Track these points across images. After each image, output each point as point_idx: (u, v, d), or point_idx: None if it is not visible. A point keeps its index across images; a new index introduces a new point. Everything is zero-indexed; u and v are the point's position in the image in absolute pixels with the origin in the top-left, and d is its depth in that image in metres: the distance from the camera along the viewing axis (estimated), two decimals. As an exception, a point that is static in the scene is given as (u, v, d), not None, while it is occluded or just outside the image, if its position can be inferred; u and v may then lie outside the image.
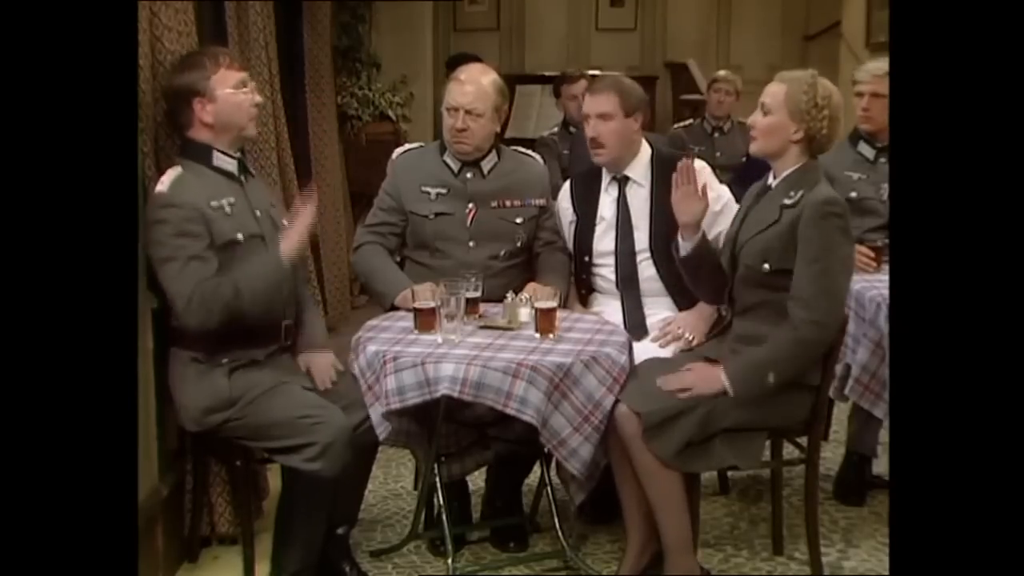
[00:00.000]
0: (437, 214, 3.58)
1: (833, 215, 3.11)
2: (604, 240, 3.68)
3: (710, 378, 3.07)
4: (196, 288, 2.98)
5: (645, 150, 3.70)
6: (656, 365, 3.25)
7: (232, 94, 3.14)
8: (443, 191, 3.60)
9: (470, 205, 3.60)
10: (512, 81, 7.60)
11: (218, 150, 3.17)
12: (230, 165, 3.20)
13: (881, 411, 3.74)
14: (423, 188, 3.59)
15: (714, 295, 3.41)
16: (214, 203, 3.07)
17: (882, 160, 4.18)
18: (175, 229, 3.00)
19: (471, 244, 3.59)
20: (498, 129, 3.69)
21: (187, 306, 2.99)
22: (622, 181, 3.68)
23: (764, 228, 3.18)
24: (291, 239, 3.14)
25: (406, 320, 3.26)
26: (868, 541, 3.69)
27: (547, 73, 8.14)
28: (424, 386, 2.94)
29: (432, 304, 3.16)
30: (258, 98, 3.24)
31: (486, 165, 3.65)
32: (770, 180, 3.30)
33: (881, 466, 4.12)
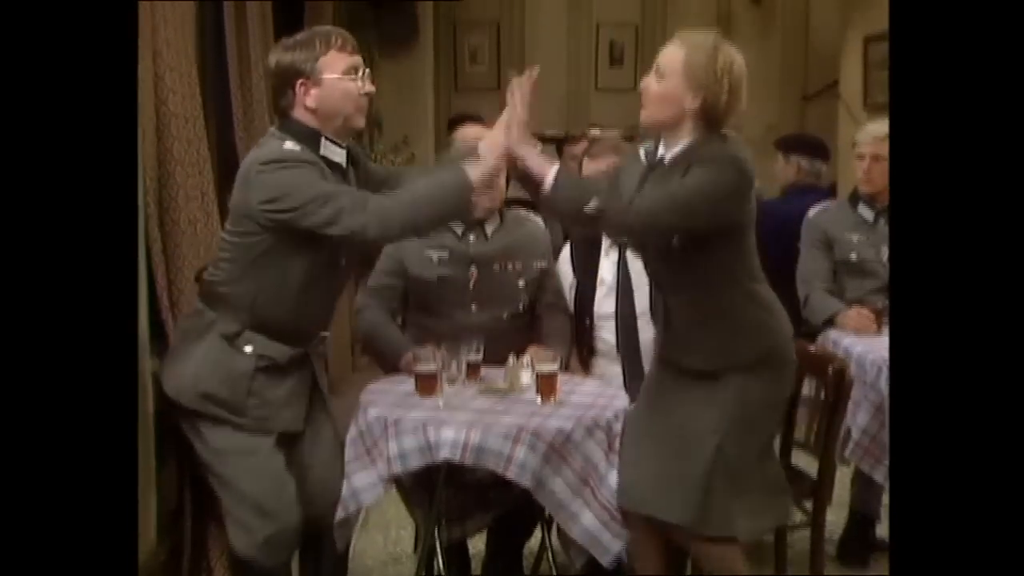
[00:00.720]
0: (440, 277, 3.58)
1: (729, 164, 2.86)
2: (605, 304, 3.70)
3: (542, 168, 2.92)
4: (363, 198, 2.84)
5: None
6: (632, 443, 3.09)
7: (339, 80, 2.92)
8: (445, 254, 3.60)
9: (472, 268, 3.61)
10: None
11: (327, 137, 2.96)
12: (338, 156, 2.99)
13: (881, 475, 3.73)
14: (426, 251, 3.59)
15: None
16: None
17: (882, 222, 4.19)
18: (311, 173, 2.85)
19: (473, 307, 3.59)
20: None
21: (362, 215, 2.80)
22: (622, 244, 3.69)
23: None
24: (493, 143, 2.96)
25: (407, 384, 3.25)
26: (871, 605, 3.67)
27: (548, 132, 8.17)
28: (425, 450, 2.93)
29: (433, 368, 3.16)
30: (370, 87, 2.99)
31: (489, 227, 3.67)
32: (661, 152, 3.00)
33: (885, 529, 4.10)
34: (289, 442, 3.07)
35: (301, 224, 2.83)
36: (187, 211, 3.34)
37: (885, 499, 4.05)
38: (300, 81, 2.91)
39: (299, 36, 2.98)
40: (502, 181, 3.63)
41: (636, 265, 3.66)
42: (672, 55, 2.91)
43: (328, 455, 3.14)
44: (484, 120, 5.88)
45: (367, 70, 2.98)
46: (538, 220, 3.88)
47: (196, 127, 3.44)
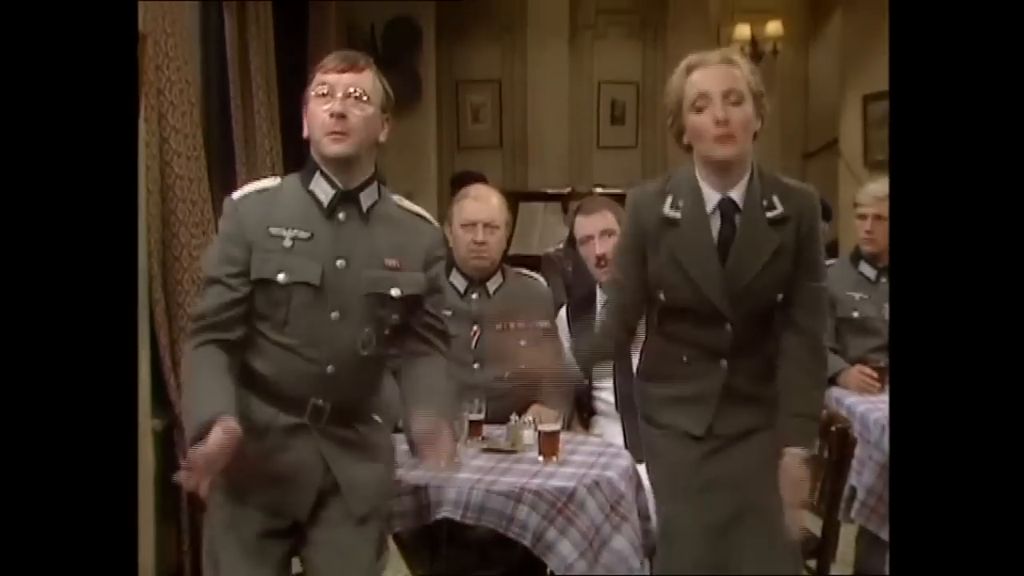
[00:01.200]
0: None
1: (817, 201, 2.79)
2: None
3: (797, 477, 2.72)
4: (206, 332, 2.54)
5: None
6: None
7: (313, 102, 2.60)
8: (448, 313, 3.58)
9: (475, 327, 3.60)
10: (515, 198, 7.68)
11: (322, 171, 2.63)
12: (323, 194, 2.63)
13: (887, 533, 3.70)
14: (429, 311, 3.58)
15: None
16: (274, 230, 2.58)
17: (883, 280, 4.21)
18: (219, 241, 2.63)
19: (475, 366, 3.57)
20: (505, 247, 3.72)
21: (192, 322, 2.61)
22: None
23: (770, 258, 2.67)
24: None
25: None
26: (877, 666, 3.63)
27: (550, 190, 8.20)
28: (426, 509, 2.90)
29: (435, 426, 3.14)
30: (336, 107, 2.56)
31: (492, 285, 3.67)
32: (715, 197, 2.68)
33: (889, 589, 4.07)
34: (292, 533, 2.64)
35: None
36: (191, 271, 3.35)
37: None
38: (304, 109, 2.66)
39: None
40: (502, 238, 3.64)
41: None
42: (736, 75, 2.62)
43: (342, 562, 2.63)
44: (486, 177, 5.92)
45: (355, 90, 2.60)
46: (540, 279, 3.88)
47: (201, 188, 3.46)
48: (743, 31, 9.15)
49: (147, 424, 3.14)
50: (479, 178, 6.06)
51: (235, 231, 2.59)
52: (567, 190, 7.83)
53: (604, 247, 3.65)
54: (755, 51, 9.09)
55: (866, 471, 3.64)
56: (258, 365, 2.61)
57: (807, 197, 2.77)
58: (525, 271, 3.89)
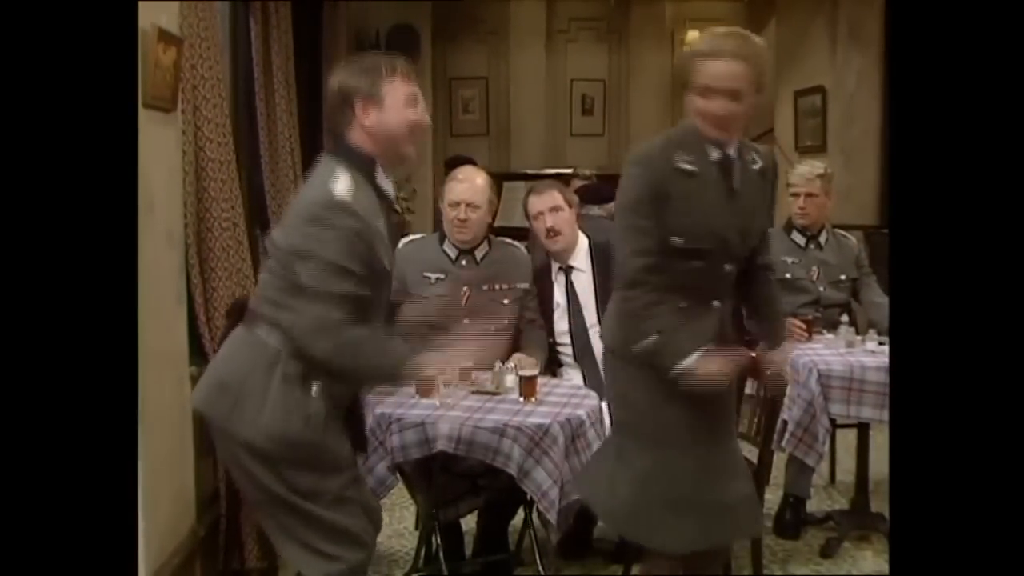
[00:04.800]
0: (437, 296, 3.55)
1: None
2: (561, 322, 3.72)
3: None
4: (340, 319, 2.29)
5: (583, 240, 3.76)
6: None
7: (401, 106, 2.42)
8: (441, 276, 3.58)
9: (465, 288, 3.58)
10: (500, 178, 7.63)
11: (381, 166, 2.44)
12: (388, 188, 2.46)
13: (812, 460, 3.73)
14: (424, 274, 3.56)
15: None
16: (377, 223, 2.39)
17: (812, 246, 4.24)
18: (346, 241, 2.30)
19: (466, 321, 3.55)
20: (490, 220, 3.69)
21: (330, 340, 2.30)
22: (567, 270, 3.72)
23: (761, 205, 2.67)
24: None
25: (408, 386, 3.21)
26: (802, 568, 3.67)
27: (529, 171, 8.16)
28: (424, 443, 2.90)
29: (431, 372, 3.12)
30: (427, 119, 2.49)
31: (479, 253, 3.64)
32: (717, 155, 2.56)
33: (813, 506, 4.11)
34: None
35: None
36: (221, 240, 3.31)
37: (814, 480, 4.04)
38: (362, 100, 2.41)
39: (364, 60, 2.49)
40: (483, 215, 3.60)
41: (580, 286, 3.71)
42: (739, 74, 2.46)
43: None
44: (475, 160, 5.86)
45: (423, 104, 2.50)
46: (521, 247, 3.86)
47: (229, 169, 3.41)
48: (693, 36, 9.08)
49: (186, 370, 3.11)
50: (469, 161, 6.03)
51: (350, 240, 2.35)
52: (569, 170, 7.63)
53: (554, 220, 3.66)
54: (703, 53, 9.03)
55: (795, 407, 3.66)
56: None
57: (770, 155, 2.75)
58: (508, 240, 3.87)
